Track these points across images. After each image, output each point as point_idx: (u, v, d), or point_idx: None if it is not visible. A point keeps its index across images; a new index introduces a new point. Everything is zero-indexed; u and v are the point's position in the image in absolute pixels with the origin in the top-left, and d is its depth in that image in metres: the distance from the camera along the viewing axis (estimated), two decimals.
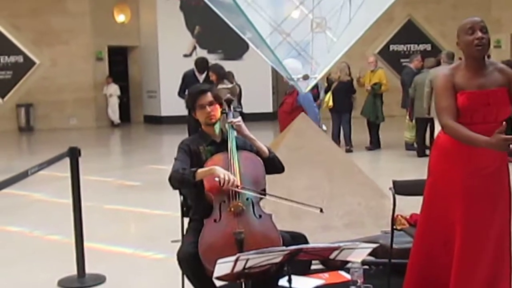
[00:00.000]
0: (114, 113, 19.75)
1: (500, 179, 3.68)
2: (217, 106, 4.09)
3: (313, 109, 7.41)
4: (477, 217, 3.60)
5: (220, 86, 8.96)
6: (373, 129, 12.87)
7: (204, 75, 9.53)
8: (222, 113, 4.16)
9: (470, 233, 3.59)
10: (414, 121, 11.60)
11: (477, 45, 3.56)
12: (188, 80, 9.48)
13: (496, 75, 3.64)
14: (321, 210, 3.76)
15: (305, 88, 6.52)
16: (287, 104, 7.75)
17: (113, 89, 19.60)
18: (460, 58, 3.76)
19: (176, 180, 3.85)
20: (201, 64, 9.72)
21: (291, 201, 3.91)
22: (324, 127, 7.39)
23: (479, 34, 3.56)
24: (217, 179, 3.70)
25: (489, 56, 3.78)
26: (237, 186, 3.75)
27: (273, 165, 4.13)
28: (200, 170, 3.82)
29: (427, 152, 11.14)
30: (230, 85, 9.55)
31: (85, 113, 19.40)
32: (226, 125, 4.11)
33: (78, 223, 5.06)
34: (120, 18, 19.66)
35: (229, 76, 9.80)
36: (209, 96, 4.06)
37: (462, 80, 3.62)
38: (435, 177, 3.77)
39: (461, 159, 3.59)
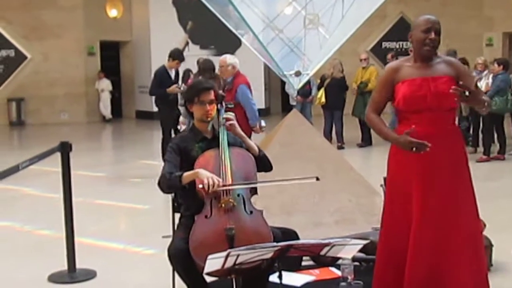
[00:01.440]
0: (105, 108, 19.67)
1: (456, 171, 3.69)
2: (215, 105, 4.09)
3: (251, 106, 7.18)
4: (432, 207, 3.62)
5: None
6: (365, 126, 12.87)
7: (173, 71, 9.59)
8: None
9: (425, 224, 3.62)
10: None
11: (427, 44, 3.68)
12: (160, 77, 9.50)
13: (443, 66, 3.75)
14: (317, 178, 3.80)
15: (297, 84, 6.53)
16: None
17: (105, 84, 19.52)
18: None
19: (165, 185, 3.88)
20: (178, 54, 9.76)
21: (283, 180, 3.92)
22: (263, 123, 7.24)
23: (433, 35, 3.66)
24: (200, 186, 3.69)
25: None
26: (224, 185, 3.74)
27: (262, 164, 4.14)
28: (185, 174, 3.82)
29: None
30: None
31: (76, 108, 19.33)
32: (217, 122, 4.10)
33: (69, 218, 5.05)
34: (113, 12, 19.60)
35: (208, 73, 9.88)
36: (211, 94, 4.05)
37: (408, 70, 3.75)
38: (392, 173, 3.84)
39: (413, 153, 3.63)
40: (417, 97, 3.66)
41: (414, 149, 3.52)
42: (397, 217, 3.75)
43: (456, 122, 3.77)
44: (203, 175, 3.74)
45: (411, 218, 3.66)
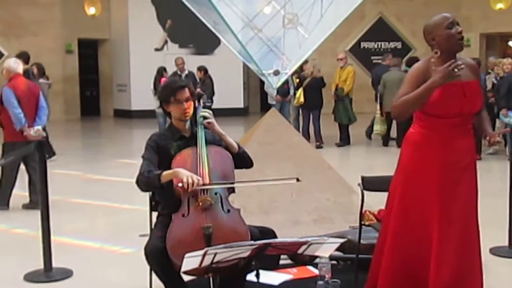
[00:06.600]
0: None
1: (470, 174, 3.71)
2: (191, 102, 4.06)
3: (12, 109, 6.98)
4: (454, 211, 3.60)
5: (40, 80, 11.06)
6: (343, 126, 12.95)
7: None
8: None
9: (448, 228, 3.59)
10: (385, 115, 12.26)
11: (459, 38, 3.62)
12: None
13: (467, 70, 3.70)
14: (298, 179, 3.76)
15: (275, 83, 6.53)
16: None
17: None
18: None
19: (143, 184, 3.84)
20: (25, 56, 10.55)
21: (263, 180, 3.88)
22: (37, 127, 7.21)
23: (459, 28, 3.63)
24: (180, 184, 3.67)
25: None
26: (204, 184, 3.73)
27: (242, 160, 4.13)
28: (164, 173, 3.79)
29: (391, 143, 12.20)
30: (48, 81, 12.09)
31: (54, 106, 19.10)
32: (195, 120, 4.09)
33: (45, 217, 5.01)
34: (91, 10, 19.45)
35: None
36: (187, 92, 4.02)
37: None
38: (408, 175, 3.75)
39: (434, 154, 3.61)
40: (451, 104, 3.59)
41: (455, 70, 3.41)
42: (412, 218, 3.70)
43: None
44: (183, 174, 3.71)
45: (428, 218, 3.64)
